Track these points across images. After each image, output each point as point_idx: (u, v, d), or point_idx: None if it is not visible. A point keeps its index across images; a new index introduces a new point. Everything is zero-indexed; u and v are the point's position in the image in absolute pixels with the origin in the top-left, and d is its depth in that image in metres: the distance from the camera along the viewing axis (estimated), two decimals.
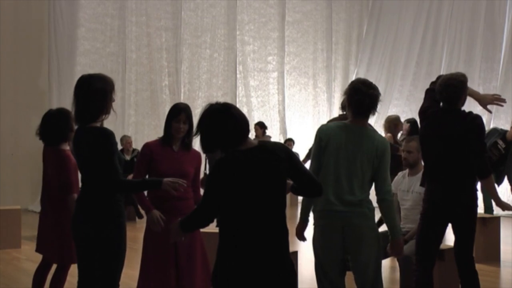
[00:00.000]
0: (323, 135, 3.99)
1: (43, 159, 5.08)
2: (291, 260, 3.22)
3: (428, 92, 4.79)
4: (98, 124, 3.68)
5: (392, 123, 8.62)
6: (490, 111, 4.84)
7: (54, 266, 5.15)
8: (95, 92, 3.60)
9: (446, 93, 4.50)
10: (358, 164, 3.91)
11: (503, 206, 4.66)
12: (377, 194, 3.98)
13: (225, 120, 3.10)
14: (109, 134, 3.58)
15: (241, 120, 3.13)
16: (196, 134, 3.17)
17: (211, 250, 3.26)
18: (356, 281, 4.03)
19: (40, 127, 5.04)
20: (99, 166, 3.53)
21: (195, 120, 3.32)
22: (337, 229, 3.90)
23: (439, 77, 4.75)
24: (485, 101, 4.76)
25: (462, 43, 15.09)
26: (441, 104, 4.65)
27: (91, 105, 3.61)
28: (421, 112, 4.73)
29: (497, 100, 4.76)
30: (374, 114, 4.04)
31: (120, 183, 3.59)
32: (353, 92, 3.96)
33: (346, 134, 3.96)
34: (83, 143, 3.59)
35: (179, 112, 4.39)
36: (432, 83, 4.81)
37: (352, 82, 4.08)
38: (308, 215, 4.11)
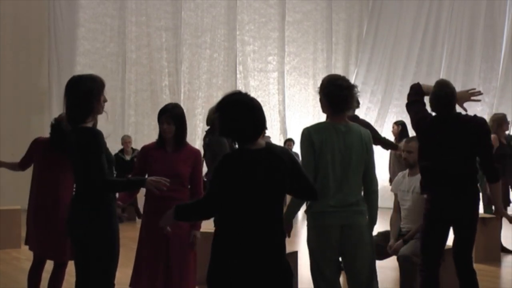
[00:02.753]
0: (315, 138, 3.91)
1: (48, 162, 5.04)
2: (288, 261, 3.24)
3: (414, 105, 4.73)
4: (90, 124, 3.71)
5: (496, 122, 7.90)
6: (465, 109, 4.79)
7: (51, 266, 5.15)
8: (84, 93, 3.64)
9: (442, 107, 4.53)
10: (353, 164, 3.90)
11: (503, 214, 4.68)
12: (368, 187, 3.99)
13: (247, 112, 3.13)
14: (97, 134, 3.62)
15: (261, 119, 3.17)
16: (214, 113, 3.20)
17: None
18: (350, 282, 4.02)
19: (52, 136, 5.03)
20: (87, 166, 3.57)
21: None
22: (335, 230, 3.90)
23: (413, 89, 4.75)
24: (462, 99, 4.72)
25: (462, 43, 15.09)
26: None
27: (80, 105, 3.64)
28: (418, 122, 4.67)
29: (473, 95, 4.73)
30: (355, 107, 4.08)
31: (105, 182, 3.63)
32: (336, 89, 3.91)
33: (337, 135, 3.93)
34: (74, 143, 3.63)
35: (161, 113, 4.45)
36: (411, 95, 4.77)
37: (329, 80, 3.99)
38: (293, 218, 4.13)
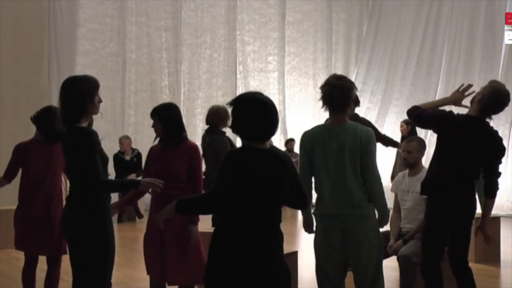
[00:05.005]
0: (307, 143, 3.98)
1: (38, 162, 5.05)
2: (285, 262, 3.25)
3: (423, 112, 4.60)
4: (85, 125, 3.73)
5: None
6: (468, 107, 4.71)
7: (44, 266, 5.16)
8: (78, 94, 3.67)
9: (497, 106, 4.50)
10: (348, 164, 3.87)
11: (485, 232, 4.70)
12: (368, 185, 3.93)
13: (261, 113, 3.14)
14: (91, 134, 3.64)
15: (275, 121, 3.19)
16: (229, 104, 3.23)
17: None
18: (355, 281, 4.03)
19: (45, 129, 5.03)
20: (82, 166, 3.58)
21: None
22: (337, 232, 3.90)
23: (411, 109, 4.70)
24: (458, 100, 4.65)
25: (462, 43, 15.09)
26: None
27: (74, 106, 3.67)
28: (445, 117, 4.52)
29: (465, 91, 4.63)
30: (350, 106, 4.02)
31: (100, 183, 3.65)
32: (324, 85, 3.96)
33: (329, 136, 3.93)
34: (68, 143, 3.66)
35: (151, 113, 4.58)
36: (413, 111, 4.66)
37: (327, 80, 4.05)
38: (311, 216, 4.13)
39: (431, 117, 4.59)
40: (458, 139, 4.46)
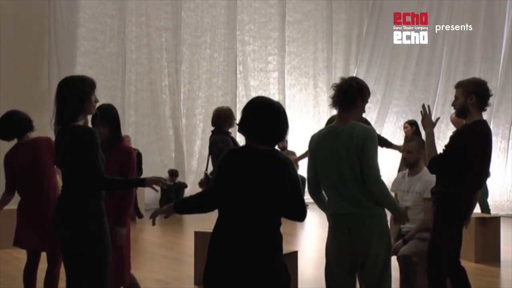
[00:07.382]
0: (312, 145, 4.05)
1: (30, 165, 5.10)
2: (285, 262, 3.24)
3: (442, 159, 4.51)
4: (81, 123, 3.74)
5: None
6: (439, 118, 4.93)
7: (44, 267, 5.17)
8: (72, 93, 3.69)
9: (488, 91, 4.58)
10: (345, 164, 3.86)
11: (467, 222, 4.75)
12: (366, 184, 3.86)
13: (275, 120, 3.17)
14: (93, 133, 3.66)
15: (284, 129, 3.23)
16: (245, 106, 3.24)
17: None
18: (362, 280, 4.04)
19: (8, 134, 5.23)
20: (82, 165, 3.59)
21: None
22: (344, 232, 3.91)
23: (432, 159, 4.65)
24: (432, 123, 4.63)
25: (462, 43, 15.09)
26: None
27: (70, 106, 3.69)
28: (463, 148, 4.44)
29: (427, 112, 4.62)
30: (358, 107, 4.01)
31: (104, 181, 3.65)
32: (336, 87, 4.01)
33: (330, 137, 3.96)
34: (64, 142, 3.67)
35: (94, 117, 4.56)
36: (434, 162, 4.57)
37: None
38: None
39: (454, 155, 4.49)
40: (483, 149, 4.48)
